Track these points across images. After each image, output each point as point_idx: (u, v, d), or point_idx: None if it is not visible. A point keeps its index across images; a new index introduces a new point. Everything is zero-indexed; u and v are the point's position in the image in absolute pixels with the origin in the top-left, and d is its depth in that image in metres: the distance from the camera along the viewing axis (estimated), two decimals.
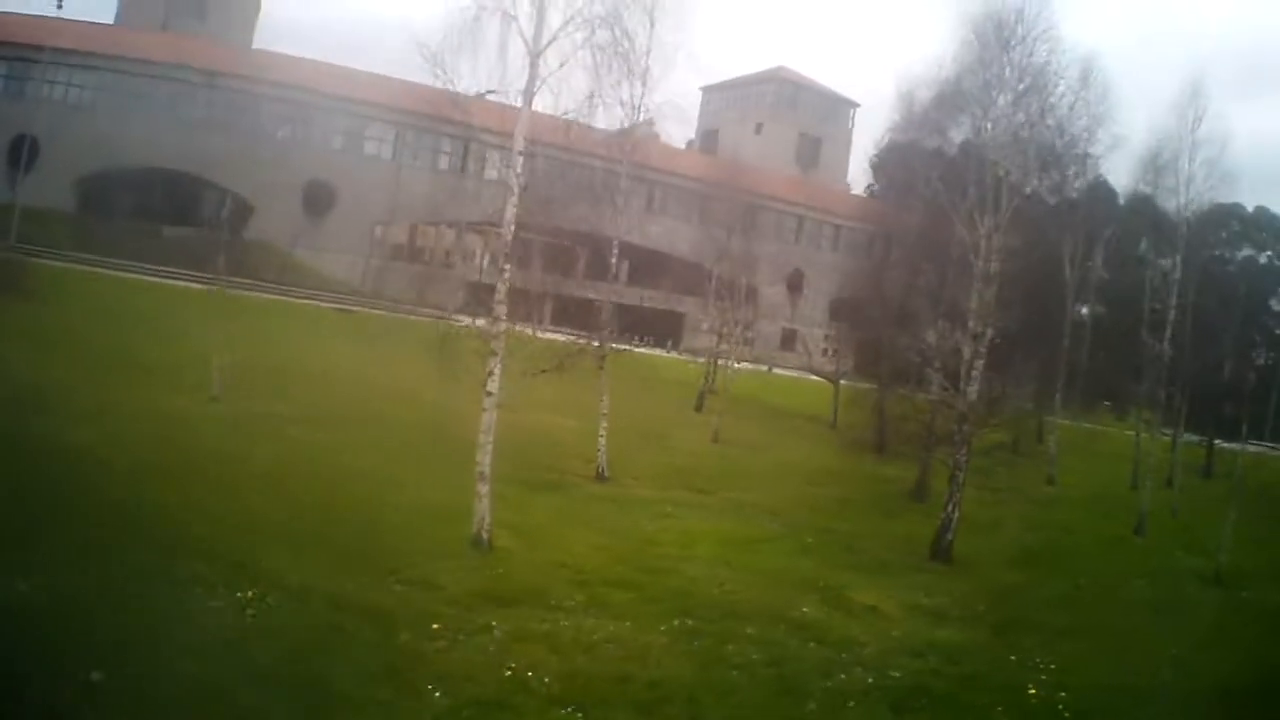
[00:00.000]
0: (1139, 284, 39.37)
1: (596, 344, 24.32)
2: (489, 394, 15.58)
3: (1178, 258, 36.87)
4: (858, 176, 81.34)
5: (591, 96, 16.81)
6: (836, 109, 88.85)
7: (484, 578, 13.90)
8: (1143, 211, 41.61)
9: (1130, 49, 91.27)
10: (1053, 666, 14.14)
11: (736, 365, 41.97)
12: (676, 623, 13.21)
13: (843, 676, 12.32)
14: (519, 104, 16.25)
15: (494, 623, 12.04)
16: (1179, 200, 36.35)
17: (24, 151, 50.56)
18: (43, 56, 53.50)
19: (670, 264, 59.48)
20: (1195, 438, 38.49)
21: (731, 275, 40.55)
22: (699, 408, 38.37)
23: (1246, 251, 61.16)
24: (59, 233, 46.69)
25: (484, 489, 15.37)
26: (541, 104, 16.49)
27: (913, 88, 29.45)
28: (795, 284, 70.17)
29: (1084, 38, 40.84)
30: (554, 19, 15.88)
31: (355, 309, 42.47)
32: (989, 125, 22.75)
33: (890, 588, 17.44)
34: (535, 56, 15.83)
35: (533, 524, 17.30)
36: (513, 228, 15.70)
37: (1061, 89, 23.43)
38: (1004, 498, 25.60)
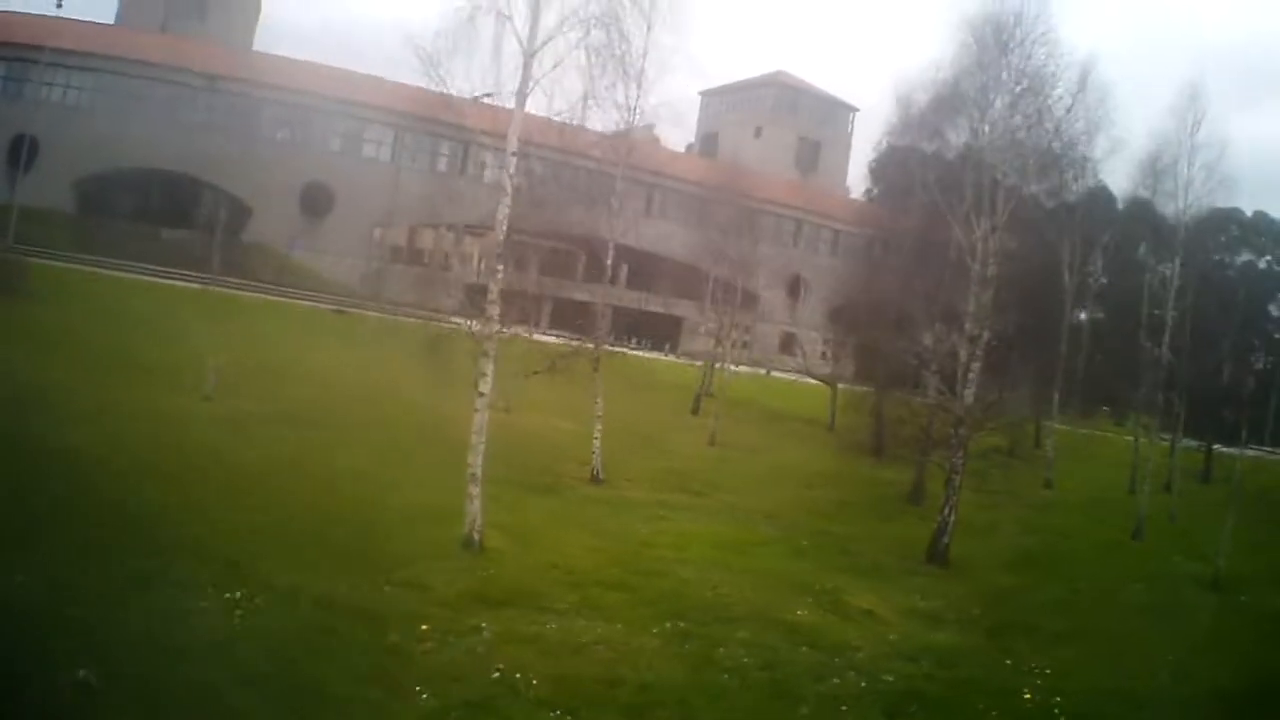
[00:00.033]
0: (1137, 289, 39.25)
1: (589, 346, 24.17)
2: (480, 395, 15.49)
3: (1176, 261, 36.77)
4: (857, 181, 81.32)
5: (585, 97, 16.68)
6: (836, 113, 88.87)
7: (474, 579, 13.80)
8: (1141, 216, 41.52)
9: (1129, 55, 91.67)
10: (1048, 671, 14.08)
11: (734, 368, 41.90)
12: (669, 625, 13.12)
13: (836, 680, 12.25)
14: (522, 106, 16.16)
15: (483, 624, 11.96)
16: (1178, 204, 36.27)
17: (23, 152, 50.55)
18: (42, 56, 53.61)
19: (669, 267, 59.45)
20: (1194, 442, 38.39)
21: (729, 278, 40.48)
22: (695, 410, 38.32)
23: (1245, 256, 61.06)
24: (58, 233, 46.72)
25: (475, 490, 15.28)
26: (537, 106, 16.45)
27: (910, 91, 29.33)
28: (794, 288, 70.14)
29: (1083, 42, 40.47)
30: (549, 19, 15.84)
31: (352, 310, 42.37)
32: (986, 128, 22.69)
33: (885, 591, 17.37)
34: (529, 57, 15.77)
35: (526, 526, 17.20)
36: (505, 228, 15.56)
37: (1059, 91, 23.32)
38: (1001, 501, 25.52)
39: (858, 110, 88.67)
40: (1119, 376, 41.33)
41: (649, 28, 22.95)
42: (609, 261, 26.53)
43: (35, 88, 55.23)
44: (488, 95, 16.55)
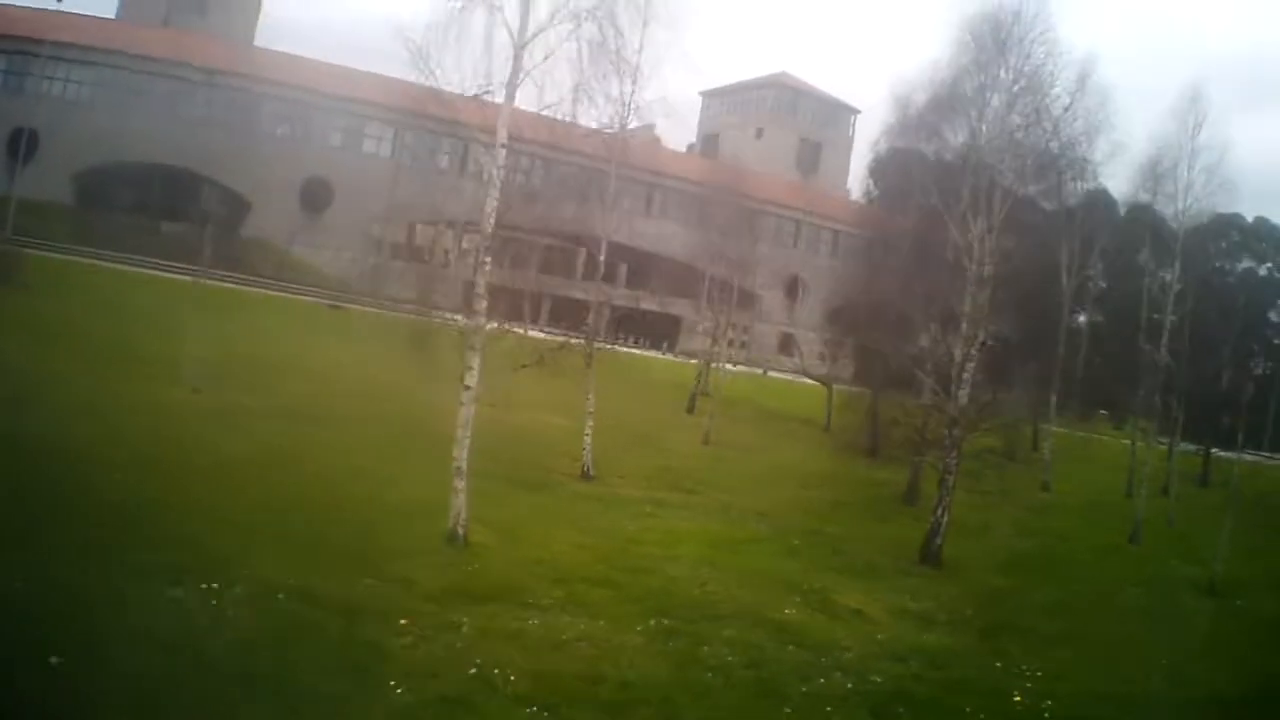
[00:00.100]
0: (1137, 292, 39.15)
1: (578, 341, 23.99)
2: (467, 388, 15.31)
3: (1176, 265, 36.65)
4: (858, 183, 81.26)
5: (577, 89, 16.50)
6: (837, 115, 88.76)
7: (457, 574, 13.62)
8: (1142, 219, 41.40)
9: (1132, 63, 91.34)
10: (1040, 673, 13.92)
11: (731, 368, 41.76)
12: (654, 623, 12.94)
13: (822, 680, 12.07)
14: (512, 99, 15.99)
15: (464, 619, 11.76)
16: (1178, 207, 36.20)
17: (22, 144, 50.50)
18: (43, 50, 53.61)
19: (668, 267, 59.27)
20: (1192, 447, 38.24)
21: (726, 277, 40.36)
22: (691, 409, 38.21)
23: (1246, 263, 60.85)
24: (56, 226, 46.70)
25: (460, 484, 15.11)
26: (528, 99, 16.28)
27: (909, 91, 29.21)
28: (793, 289, 70.02)
29: (1083, 44, 40.43)
30: (540, 12, 15.70)
31: (348, 306, 42.24)
32: (984, 128, 22.55)
33: (876, 591, 17.21)
34: (520, 49, 15.60)
35: (513, 521, 17.02)
36: (493, 221, 15.38)
37: (1057, 90, 23.19)
38: (997, 503, 25.31)
39: (859, 112, 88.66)
40: (1118, 380, 41.15)
41: (644, 24, 22.81)
42: (602, 258, 26.35)
43: (36, 81, 55.29)
44: (487, 92, 16.36)
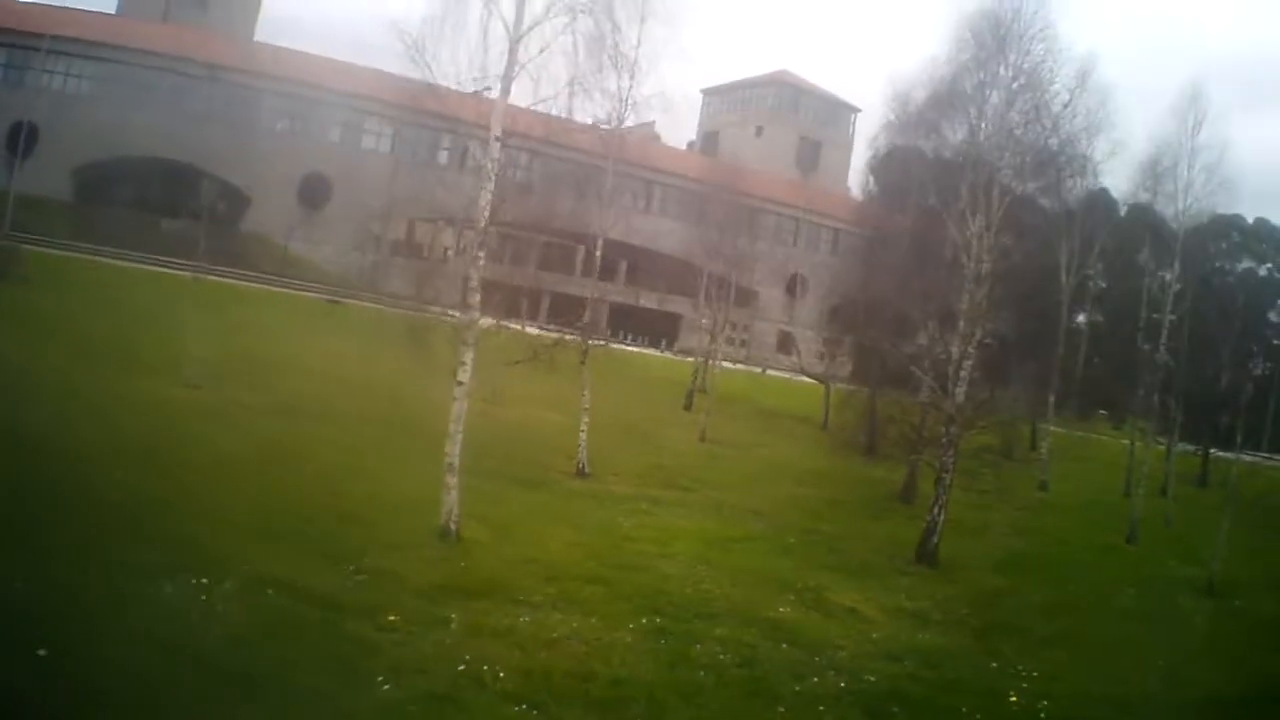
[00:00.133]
0: (1136, 292, 39.05)
1: (572, 337, 23.85)
2: (459, 384, 15.21)
3: (1175, 264, 36.57)
4: (858, 181, 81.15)
5: (572, 83, 16.38)
6: (837, 113, 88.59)
7: (448, 570, 13.54)
8: (1142, 219, 41.31)
9: (1133, 64, 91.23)
10: (1035, 674, 13.87)
11: (730, 365, 41.67)
12: (645, 620, 12.86)
13: (815, 680, 11.99)
14: (507, 92, 15.89)
15: (453, 615, 11.69)
16: (1178, 206, 36.13)
17: (22, 139, 50.38)
18: (43, 44, 53.49)
19: (667, 264, 59.26)
20: (1190, 447, 38.11)
21: (723, 274, 40.24)
22: (688, 407, 38.08)
23: (1246, 263, 60.76)
24: (55, 221, 46.65)
25: (452, 480, 15.02)
26: (523, 93, 16.17)
27: (908, 88, 29.11)
28: (792, 287, 69.92)
29: (1083, 42, 40.14)
30: (536, 4, 15.61)
31: (347, 301, 42.14)
32: (983, 125, 22.42)
33: (871, 590, 17.14)
34: (515, 42, 15.52)
35: (506, 518, 16.95)
36: (488, 215, 15.28)
37: (1057, 88, 23.07)
38: (994, 502, 25.19)
39: (859, 111, 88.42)
40: (1117, 380, 41.05)
41: (642, 19, 22.72)
42: (598, 254, 26.23)
43: (36, 75, 55.16)
44: (487, 89, 16.27)
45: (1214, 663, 15.70)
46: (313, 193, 59.04)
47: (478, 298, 15.45)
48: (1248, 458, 33.06)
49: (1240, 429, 31.02)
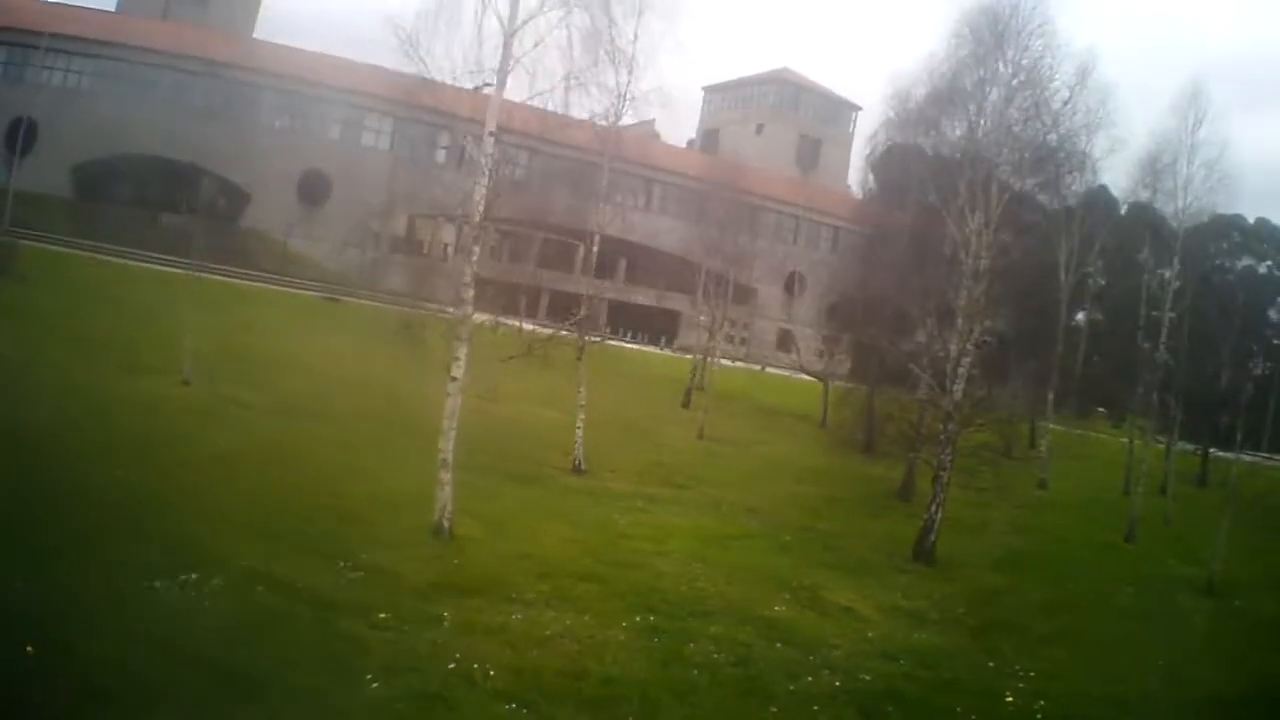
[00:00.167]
0: (1136, 290, 38.95)
1: (567, 333, 23.73)
2: (453, 379, 15.11)
3: (1175, 261, 36.47)
4: (858, 179, 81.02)
5: (567, 77, 16.29)
6: (838, 111, 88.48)
7: (441, 567, 13.45)
8: (1142, 217, 41.21)
9: (1133, 64, 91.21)
10: (1032, 673, 13.76)
11: (728, 363, 41.58)
12: (639, 619, 12.76)
13: (810, 679, 11.88)
14: (503, 87, 15.79)
15: (445, 613, 11.61)
16: (1178, 204, 36.06)
17: (21, 135, 50.31)
18: (43, 41, 53.42)
19: (667, 262, 59.17)
20: (1190, 446, 38.01)
21: (722, 272, 40.14)
22: (686, 404, 38.00)
23: (1246, 262, 60.66)
24: (54, 218, 46.62)
25: (446, 476, 14.91)
26: (519, 88, 16.08)
27: (907, 85, 28.99)
28: (791, 285, 69.80)
29: (1083, 41, 40.06)
30: None
31: (344, 299, 42.09)
32: (982, 121, 22.32)
33: (868, 588, 17.02)
34: (510, 36, 15.42)
35: (500, 515, 16.85)
36: (481, 209, 15.18)
37: (1056, 84, 22.96)
38: (993, 500, 25.05)
39: (860, 109, 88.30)
40: (1116, 378, 40.96)
41: (639, 13, 22.63)
42: (595, 250, 26.12)
43: (35, 72, 55.11)
44: (487, 85, 16.18)
45: (1213, 662, 15.61)
46: (312, 190, 58.94)
47: (471, 293, 15.35)
48: (1247, 457, 32.97)
49: (1240, 428, 30.91)
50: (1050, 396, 37.22)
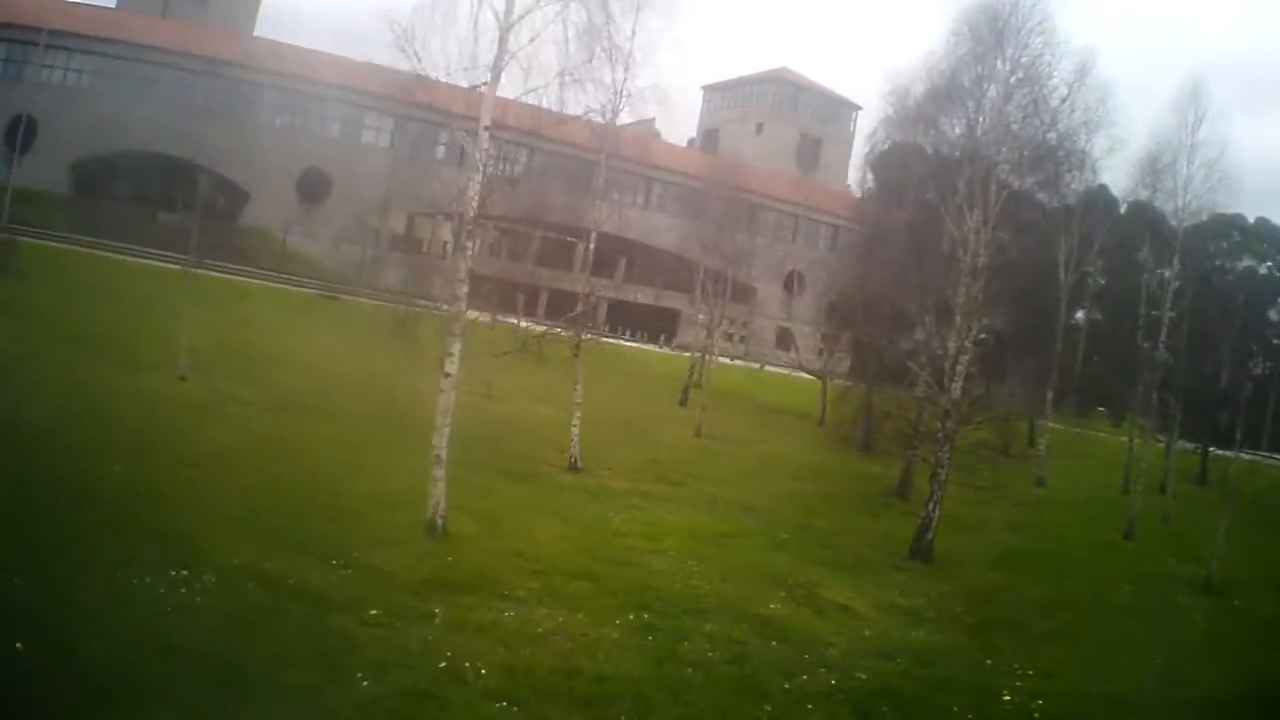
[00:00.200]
0: (1136, 290, 38.90)
1: (560, 330, 23.61)
2: (447, 375, 15.02)
3: (1175, 260, 36.41)
4: (858, 178, 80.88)
5: (563, 74, 16.18)
6: (838, 111, 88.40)
7: (434, 564, 13.34)
8: (1141, 216, 41.17)
9: (1131, 60, 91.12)
10: (1030, 672, 13.63)
11: (727, 361, 41.52)
12: (633, 616, 12.65)
13: (805, 677, 11.75)
14: (497, 81, 15.70)
15: (437, 610, 11.51)
16: (1177, 203, 36.02)
17: (20, 133, 50.28)
18: (42, 39, 53.36)
19: (665, 260, 59.14)
20: (1189, 445, 37.96)
21: (720, 270, 40.06)
22: (684, 402, 37.94)
23: (1247, 262, 60.66)
24: (53, 215, 46.73)
25: (439, 473, 14.81)
26: (514, 84, 15.98)
27: (906, 83, 28.89)
28: (791, 283, 69.72)
29: (1083, 39, 40.07)
30: None
31: (343, 296, 42.03)
32: (981, 119, 22.23)
33: (865, 586, 16.89)
34: (505, 31, 15.34)
35: (495, 512, 16.76)
36: (476, 204, 15.09)
37: (1055, 81, 22.87)
38: (991, 498, 24.96)
39: (860, 108, 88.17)
40: (1116, 377, 40.93)
41: (637, 9, 22.52)
42: (591, 247, 26.01)
43: (35, 69, 55.08)
44: (484, 85, 16.09)
45: (1212, 661, 15.52)
46: (312, 187, 58.90)
47: (465, 289, 15.27)
48: (1247, 455, 32.93)
49: (1240, 427, 30.86)
50: (1049, 395, 37.18)
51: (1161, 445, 34.50)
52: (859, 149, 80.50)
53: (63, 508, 12.18)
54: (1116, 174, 42.85)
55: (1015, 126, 22.12)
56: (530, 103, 17.40)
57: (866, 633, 14.28)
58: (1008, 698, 12.46)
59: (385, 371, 26.14)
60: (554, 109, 18.38)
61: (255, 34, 66.55)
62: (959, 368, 20.87)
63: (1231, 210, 46.20)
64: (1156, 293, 37.16)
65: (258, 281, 43.27)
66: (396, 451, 18.73)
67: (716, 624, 12.91)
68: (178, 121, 54.36)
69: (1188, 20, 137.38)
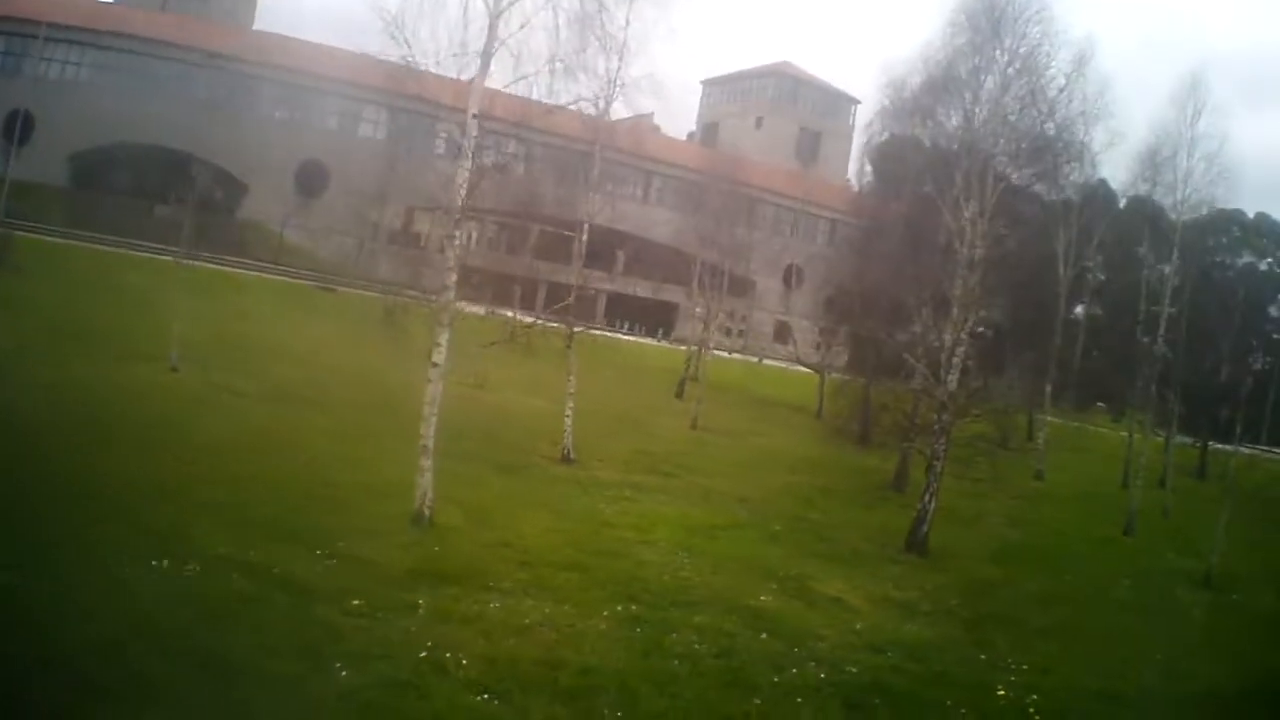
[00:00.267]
0: (1135, 284, 38.76)
1: (550, 321, 23.46)
2: (434, 365, 14.86)
3: (1174, 255, 36.26)
4: (857, 171, 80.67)
5: (553, 60, 15.99)
6: (838, 105, 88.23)
7: (419, 555, 13.21)
8: (1141, 211, 41.03)
9: (1130, 55, 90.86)
10: (1025, 667, 13.45)
11: (725, 354, 41.40)
12: (620, 608, 12.49)
13: (795, 670, 11.57)
14: (486, 68, 15.54)
15: (420, 601, 11.37)
16: (1177, 196, 35.89)
17: (18, 126, 50.18)
18: (41, 32, 53.26)
19: (664, 253, 58.96)
20: (1189, 439, 37.83)
21: (717, 263, 39.89)
22: (680, 395, 37.78)
23: (1247, 258, 60.60)
24: (50, 208, 46.71)
25: (426, 463, 14.67)
26: (504, 73, 15.81)
27: (903, 73, 28.69)
28: (789, 277, 69.58)
29: (1082, 31, 39.77)
30: None
31: (339, 288, 41.93)
32: (978, 110, 22.03)
33: (858, 579, 16.71)
34: (495, 17, 15.16)
35: (484, 503, 16.62)
36: (464, 193, 14.92)
37: (1053, 71, 22.67)
38: (989, 492, 24.84)
39: (859, 102, 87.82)
40: (1115, 372, 40.79)
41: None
42: (584, 239, 25.82)
43: (33, 63, 55.10)
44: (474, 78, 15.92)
45: (1211, 656, 15.41)
46: (310, 180, 58.87)
47: (454, 278, 15.10)
48: (1246, 450, 32.78)
49: (1239, 421, 30.71)
50: (1048, 388, 37.05)
51: (1161, 440, 34.35)
52: (858, 143, 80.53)
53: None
54: (1116, 168, 42.83)
55: (1013, 118, 21.93)
56: (522, 93, 17.20)
57: (859, 626, 14.09)
58: (1002, 693, 12.27)
59: (380, 363, 26.05)
60: (546, 99, 18.18)
61: (254, 27, 66.49)
62: (955, 360, 20.69)
63: (1231, 205, 46.18)
64: (1156, 288, 37.04)
65: (254, 273, 43.16)
66: (390, 443, 18.56)
67: (706, 616, 12.74)
68: (176, 115, 54.33)
69: (1188, 15, 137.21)
